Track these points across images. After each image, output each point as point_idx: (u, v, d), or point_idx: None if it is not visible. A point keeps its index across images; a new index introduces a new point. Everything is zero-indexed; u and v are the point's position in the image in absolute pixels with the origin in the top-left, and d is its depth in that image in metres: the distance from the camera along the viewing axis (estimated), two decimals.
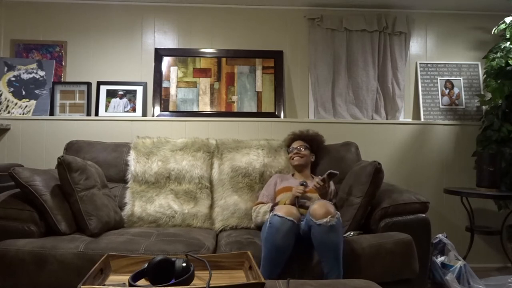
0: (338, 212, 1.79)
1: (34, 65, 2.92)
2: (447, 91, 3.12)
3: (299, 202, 2.09)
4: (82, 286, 1.11)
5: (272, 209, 2.14)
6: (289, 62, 3.10)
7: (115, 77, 3.01)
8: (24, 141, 2.80)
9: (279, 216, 1.76)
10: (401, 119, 3.07)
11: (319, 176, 2.13)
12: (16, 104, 2.86)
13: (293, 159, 2.43)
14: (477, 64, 3.16)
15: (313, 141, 2.53)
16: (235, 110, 3.01)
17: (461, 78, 3.14)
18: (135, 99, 2.96)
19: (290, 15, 3.11)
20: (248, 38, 3.09)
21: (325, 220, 1.72)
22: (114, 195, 2.39)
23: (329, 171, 2.05)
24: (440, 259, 2.29)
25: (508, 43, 2.74)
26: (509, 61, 2.70)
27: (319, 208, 1.77)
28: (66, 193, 2.04)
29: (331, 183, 2.38)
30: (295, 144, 2.48)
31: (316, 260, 1.80)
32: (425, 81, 3.12)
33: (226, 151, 2.60)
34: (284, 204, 2.13)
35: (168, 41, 3.06)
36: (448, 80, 3.13)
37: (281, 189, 2.30)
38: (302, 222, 1.89)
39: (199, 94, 3.01)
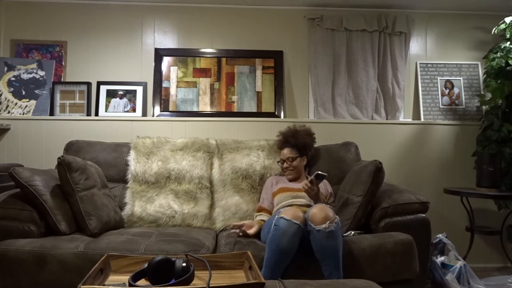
0: (337, 217, 1.79)
1: (34, 65, 2.92)
2: (447, 91, 3.12)
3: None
4: (82, 286, 1.11)
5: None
6: (289, 62, 3.10)
7: (115, 77, 3.01)
8: (24, 141, 2.80)
9: (286, 219, 1.75)
10: (401, 119, 3.07)
11: (308, 176, 2.12)
12: (16, 104, 2.86)
13: (285, 172, 2.40)
14: (477, 64, 3.16)
15: (300, 145, 2.43)
16: (235, 110, 3.01)
17: (461, 78, 3.14)
18: (135, 99, 2.96)
19: (290, 15, 3.11)
20: (248, 38, 3.09)
21: (323, 225, 1.71)
22: (114, 195, 2.39)
23: (316, 172, 2.03)
24: (440, 259, 2.29)
25: (508, 43, 2.74)
26: (509, 61, 2.70)
27: (318, 212, 1.76)
28: (66, 193, 2.04)
29: (328, 184, 2.38)
30: (284, 155, 2.41)
31: (316, 261, 1.79)
32: (425, 81, 3.12)
33: (227, 151, 2.60)
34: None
35: (168, 41, 3.06)
36: (448, 80, 3.13)
37: (276, 191, 2.31)
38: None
39: (199, 94, 3.01)
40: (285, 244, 1.72)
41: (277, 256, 1.73)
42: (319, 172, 2.01)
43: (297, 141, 2.44)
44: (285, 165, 2.40)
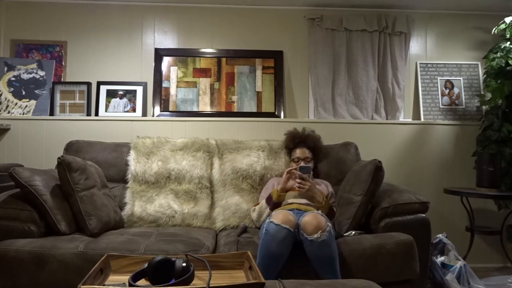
0: (329, 224, 1.78)
1: (34, 65, 2.92)
2: (447, 91, 3.12)
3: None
4: (82, 286, 1.11)
5: (268, 201, 2.17)
6: (289, 62, 3.10)
7: (115, 77, 3.01)
8: (24, 141, 2.79)
9: (275, 224, 1.74)
10: (401, 119, 3.07)
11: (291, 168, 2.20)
12: (16, 104, 2.86)
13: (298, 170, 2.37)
14: (477, 64, 3.16)
15: (316, 149, 2.50)
16: (235, 110, 3.01)
17: (461, 78, 3.14)
18: (135, 99, 2.96)
19: (290, 15, 3.11)
20: (248, 38, 3.09)
21: (315, 235, 1.70)
22: (114, 195, 2.39)
23: (298, 166, 2.13)
24: (440, 259, 2.29)
25: (508, 43, 2.74)
26: (509, 61, 2.70)
27: (310, 221, 1.75)
28: (66, 193, 2.04)
29: (329, 185, 2.38)
30: (301, 154, 2.42)
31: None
32: (425, 81, 3.12)
33: (227, 151, 2.60)
34: (277, 191, 2.16)
35: (168, 41, 3.06)
36: (448, 80, 3.13)
37: None
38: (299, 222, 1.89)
39: (199, 94, 3.01)
40: (275, 249, 1.71)
41: (267, 261, 1.71)
42: (301, 165, 2.06)
43: (315, 144, 2.49)
44: (302, 163, 2.36)
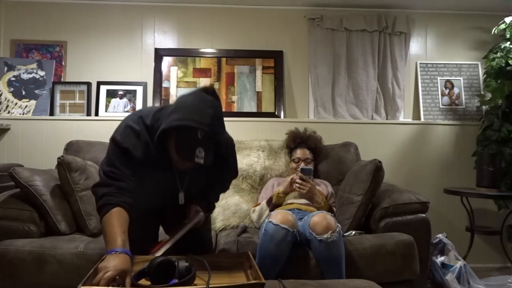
0: (339, 225, 1.78)
1: (34, 65, 2.92)
2: (447, 91, 3.12)
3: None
4: (82, 286, 1.11)
5: (268, 203, 2.17)
6: (289, 62, 3.10)
7: (115, 77, 3.01)
8: (24, 141, 2.79)
9: (274, 224, 1.73)
10: (401, 119, 3.07)
11: (296, 176, 2.19)
12: (16, 104, 2.85)
13: (298, 170, 2.33)
14: (477, 64, 3.16)
15: (317, 150, 2.49)
16: (235, 110, 3.01)
17: (461, 78, 3.14)
18: (135, 99, 2.96)
19: (290, 15, 3.11)
20: (248, 38, 3.09)
21: (325, 236, 1.70)
22: None
23: (300, 167, 2.16)
24: (440, 259, 2.29)
25: (508, 43, 2.74)
26: (509, 61, 2.70)
27: (320, 221, 1.74)
28: (66, 193, 2.04)
29: (329, 185, 2.38)
30: (301, 155, 2.40)
31: (314, 261, 1.79)
32: (425, 81, 3.12)
33: None
34: (278, 194, 2.15)
35: (168, 41, 3.06)
36: (448, 80, 3.13)
37: None
38: (299, 223, 1.88)
39: None
40: (273, 249, 1.70)
41: (266, 262, 1.70)
42: (303, 167, 2.06)
43: (316, 145, 2.47)
44: (302, 164, 2.35)
